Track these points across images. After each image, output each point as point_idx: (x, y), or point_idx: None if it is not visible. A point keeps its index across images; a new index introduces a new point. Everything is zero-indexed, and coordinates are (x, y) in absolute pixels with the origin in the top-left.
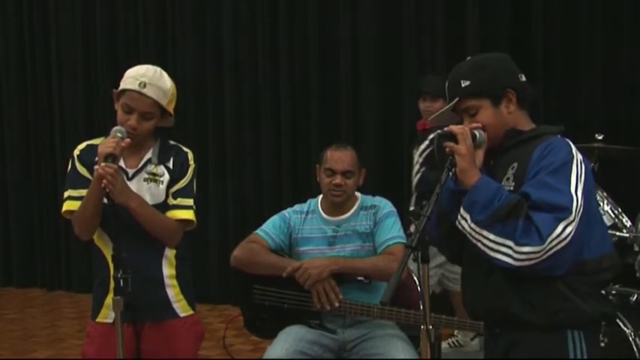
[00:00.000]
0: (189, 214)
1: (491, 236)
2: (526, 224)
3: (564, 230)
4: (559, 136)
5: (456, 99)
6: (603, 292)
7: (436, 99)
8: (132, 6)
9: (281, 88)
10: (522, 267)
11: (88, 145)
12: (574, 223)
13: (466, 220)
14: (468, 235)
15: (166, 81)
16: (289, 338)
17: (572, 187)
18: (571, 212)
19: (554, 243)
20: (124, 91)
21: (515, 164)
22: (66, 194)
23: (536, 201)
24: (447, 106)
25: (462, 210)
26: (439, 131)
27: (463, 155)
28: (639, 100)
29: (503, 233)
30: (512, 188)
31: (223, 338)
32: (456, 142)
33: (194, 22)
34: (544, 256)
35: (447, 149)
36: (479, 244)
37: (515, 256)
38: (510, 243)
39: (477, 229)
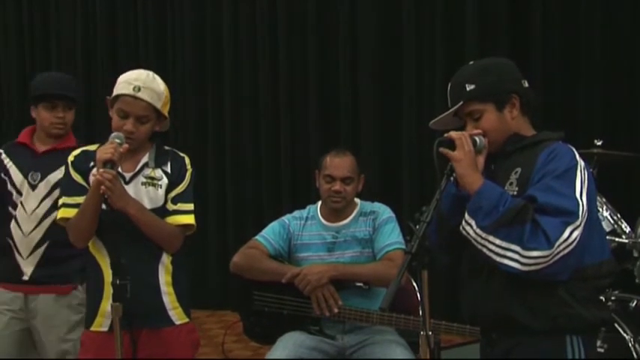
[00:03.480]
0: (189, 219)
1: (497, 241)
2: (533, 228)
3: (571, 235)
4: (560, 142)
5: (460, 102)
6: (602, 298)
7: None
8: (131, 10)
9: (280, 93)
10: (529, 272)
11: (82, 152)
12: (580, 228)
13: (471, 226)
14: (473, 241)
15: (159, 84)
16: (289, 344)
17: (577, 192)
18: (578, 217)
19: (561, 247)
20: (119, 96)
21: (519, 169)
22: (60, 201)
23: (542, 204)
24: (450, 110)
25: (466, 216)
26: (439, 139)
27: (459, 161)
28: (638, 105)
29: (510, 238)
30: (515, 193)
31: (222, 344)
32: (454, 148)
33: (193, 26)
34: (551, 261)
35: (445, 156)
36: (484, 250)
37: (523, 260)
38: (517, 248)
39: (483, 235)
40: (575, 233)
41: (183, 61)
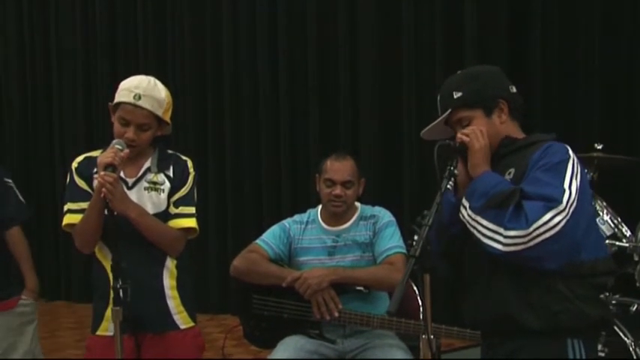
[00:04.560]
0: (191, 222)
1: (485, 222)
2: (516, 210)
3: (553, 219)
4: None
5: (449, 110)
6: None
7: None
8: (132, 16)
9: (280, 98)
10: (510, 253)
11: (85, 158)
12: (564, 214)
13: (465, 208)
14: (467, 223)
15: (160, 90)
16: (289, 348)
17: (565, 183)
18: (561, 202)
19: (541, 230)
20: (119, 104)
21: (512, 170)
22: (65, 207)
23: (528, 192)
24: (440, 118)
25: (463, 199)
26: (440, 142)
27: (478, 151)
28: (638, 109)
29: (496, 220)
30: None
31: (223, 348)
32: (459, 151)
33: (193, 28)
34: (530, 243)
35: (460, 141)
36: (475, 231)
37: (503, 240)
38: (500, 229)
39: (473, 216)
40: (558, 218)
41: (182, 64)
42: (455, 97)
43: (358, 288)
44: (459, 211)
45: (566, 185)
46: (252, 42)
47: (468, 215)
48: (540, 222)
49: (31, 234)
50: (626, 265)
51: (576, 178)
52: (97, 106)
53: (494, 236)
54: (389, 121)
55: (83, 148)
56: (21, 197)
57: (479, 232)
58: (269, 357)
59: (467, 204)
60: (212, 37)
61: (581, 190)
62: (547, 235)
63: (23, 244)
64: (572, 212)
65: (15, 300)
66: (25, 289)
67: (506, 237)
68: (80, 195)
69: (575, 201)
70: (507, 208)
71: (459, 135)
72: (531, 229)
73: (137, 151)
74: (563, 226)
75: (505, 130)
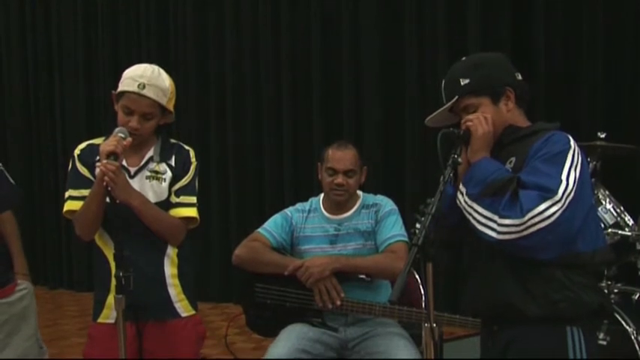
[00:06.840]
0: (192, 212)
1: (480, 209)
2: (511, 199)
3: (548, 209)
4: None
5: (455, 97)
6: (606, 290)
7: None
8: (134, 10)
9: (283, 86)
10: (504, 241)
11: (88, 145)
12: (559, 204)
13: (462, 194)
14: (463, 210)
15: (165, 79)
16: (291, 337)
17: (563, 174)
18: (557, 193)
19: (535, 220)
20: (123, 92)
21: (514, 159)
22: (67, 194)
23: (524, 182)
24: (446, 106)
25: (460, 185)
26: (443, 130)
27: (480, 137)
28: None
29: (491, 207)
30: None
31: (225, 337)
32: (463, 139)
33: (195, 22)
34: (524, 232)
35: (465, 128)
36: (470, 218)
37: (498, 229)
38: (495, 217)
39: (469, 202)
40: (553, 209)
41: (185, 58)
42: (462, 84)
43: (360, 276)
44: (456, 202)
45: (563, 176)
46: (255, 27)
47: (465, 201)
48: (535, 212)
49: (33, 223)
50: (628, 254)
51: (575, 169)
52: (98, 93)
53: (489, 224)
54: (392, 108)
55: (85, 135)
56: (12, 180)
57: (474, 218)
58: (271, 345)
59: (464, 190)
60: (214, 31)
61: (580, 182)
62: (541, 225)
63: (14, 228)
64: (569, 203)
65: (13, 285)
66: (16, 273)
67: (500, 225)
68: (82, 182)
69: (572, 192)
70: (503, 196)
71: (463, 121)
72: (526, 218)
73: (140, 139)
74: (559, 217)
75: (511, 118)
